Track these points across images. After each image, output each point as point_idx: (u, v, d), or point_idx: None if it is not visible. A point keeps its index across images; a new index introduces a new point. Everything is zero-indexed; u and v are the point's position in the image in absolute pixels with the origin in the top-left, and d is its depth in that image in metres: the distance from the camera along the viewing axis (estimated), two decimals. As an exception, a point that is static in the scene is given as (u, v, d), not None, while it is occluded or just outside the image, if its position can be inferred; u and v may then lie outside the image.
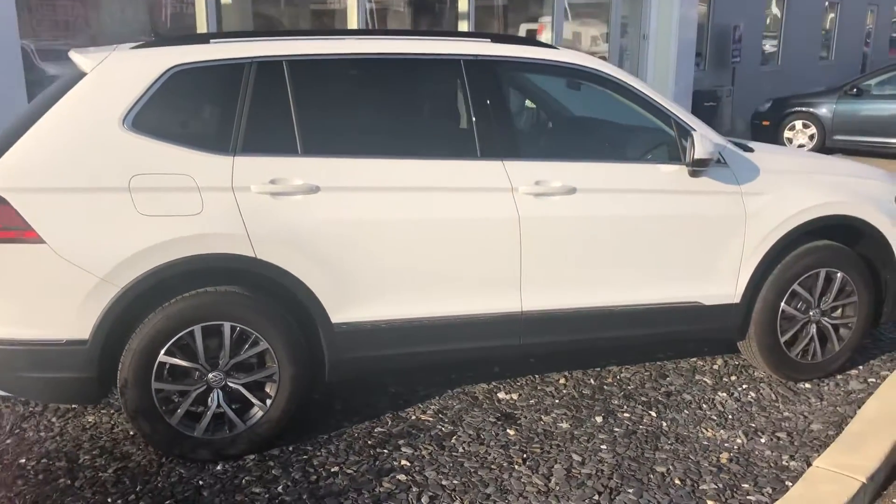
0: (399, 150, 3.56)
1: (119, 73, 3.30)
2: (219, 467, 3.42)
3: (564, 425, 3.80)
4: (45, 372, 3.19)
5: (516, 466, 3.44)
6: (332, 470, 3.41)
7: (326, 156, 3.45)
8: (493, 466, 3.43)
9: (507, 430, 3.74)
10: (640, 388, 4.20)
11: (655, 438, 3.68)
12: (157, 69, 3.33)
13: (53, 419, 3.81)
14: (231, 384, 3.42)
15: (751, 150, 4.19)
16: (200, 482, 3.31)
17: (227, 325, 3.35)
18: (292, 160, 3.40)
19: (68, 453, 3.51)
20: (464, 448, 3.58)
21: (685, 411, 3.95)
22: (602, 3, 12.03)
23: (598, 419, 3.85)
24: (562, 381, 4.28)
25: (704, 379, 4.33)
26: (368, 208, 3.46)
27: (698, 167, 3.78)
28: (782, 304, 4.13)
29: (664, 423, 3.82)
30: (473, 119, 3.63)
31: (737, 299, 4.06)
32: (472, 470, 3.41)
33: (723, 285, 4.02)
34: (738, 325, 4.12)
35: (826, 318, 4.26)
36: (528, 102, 4.38)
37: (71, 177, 3.15)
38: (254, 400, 3.45)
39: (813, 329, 4.24)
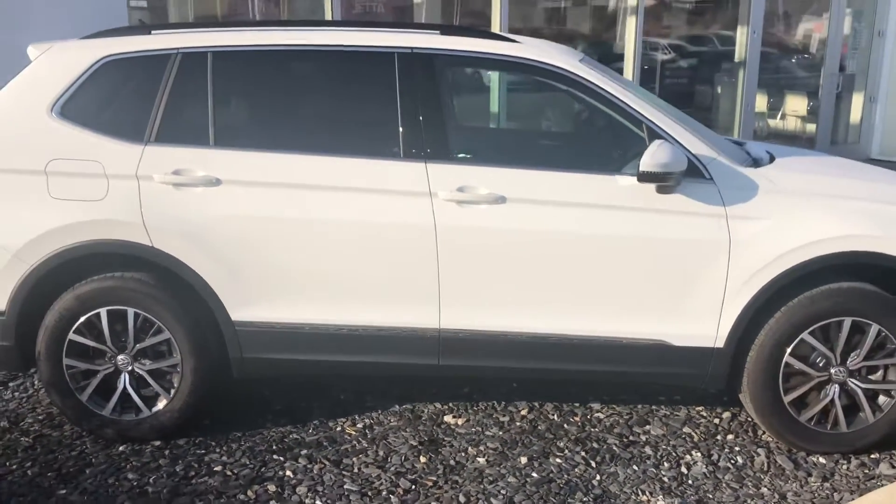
0: (315, 146, 3.39)
1: (56, 64, 3.47)
2: (120, 448, 3.50)
3: (482, 461, 3.39)
4: None
5: (392, 497, 3.14)
6: (215, 469, 3.34)
7: (237, 149, 3.38)
8: (369, 495, 3.16)
9: (420, 458, 3.42)
10: (603, 432, 3.64)
11: (570, 493, 3.16)
12: (88, 60, 3.45)
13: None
14: (138, 369, 3.47)
15: (768, 160, 3.45)
16: (93, 460, 3.41)
17: (130, 311, 3.41)
18: (201, 151, 3.37)
19: (9, 415, 3.79)
20: (359, 469, 3.34)
21: (634, 468, 3.35)
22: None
23: (523, 460, 3.40)
24: (524, 411, 3.83)
25: (692, 432, 3.65)
26: (273, 205, 3.33)
27: (647, 181, 3.17)
28: (786, 356, 3.35)
29: (597, 478, 3.28)
30: (400, 116, 3.35)
31: (719, 343, 3.36)
32: (345, 495, 3.16)
33: (697, 324, 3.35)
34: (722, 374, 3.41)
35: (855, 380, 3.39)
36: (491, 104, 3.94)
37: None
38: (157, 387, 3.48)
39: (834, 391, 3.40)
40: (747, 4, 9.67)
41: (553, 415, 3.79)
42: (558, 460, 3.40)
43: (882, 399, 3.41)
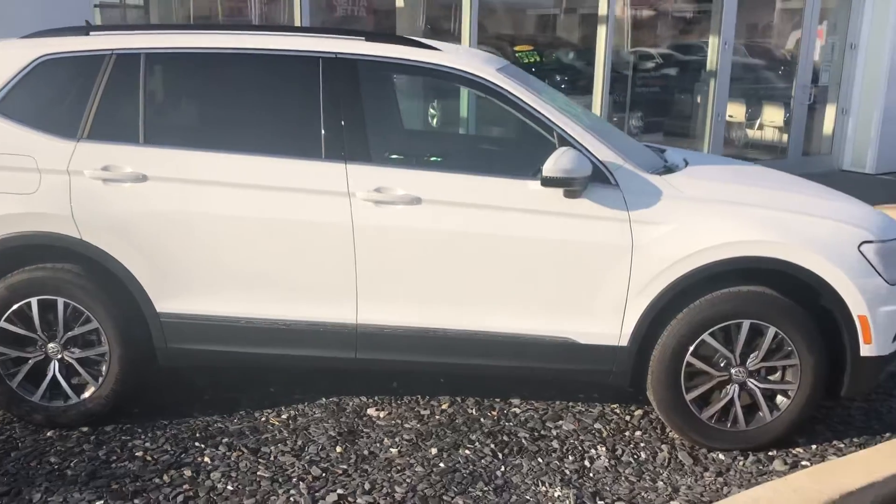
0: (240, 146, 3.53)
1: (-8, 62, 3.62)
2: (48, 433, 3.63)
3: (394, 452, 3.53)
4: None
5: (300, 483, 3.27)
6: (136, 454, 3.48)
7: (165, 146, 3.52)
8: (279, 481, 3.30)
9: (335, 448, 3.56)
10: (517, 426, 3.77)
11: (472, 482, 3.30)
12: (27, 58, 3.60)
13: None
14: (67, 357, 3.61)
15: (679, 167, 3.59)
16: (20, 444, 3.54)
17: (60, 301, 3.54)
18: (130, 148, 3.51)
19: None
20: (275, 457, 3.47)
21: (539, 460, 3.49)
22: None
23: (434, 451, 3.53)
24: (445, 405, 3.97)
25: (602, 428, 3.79)
26: (196, 202, 3.47)
27: (550, 185, 3.31)
28: (688, 355, 3.49)
29: (501, 469, 3.41)
30: (322, 118, 3.50)
31: (623, 341, 3.50)
32: (257, 481, 3.30)
33: (601, 323, 3.49)
34: (626, 371, 3.55)
35: (754, 381, 3.53)
36: (431, 110, 4.07)
37: None
38: (85, 375, 3.62)
39: (734, 391, 3.54)
40: (719, 16, 9.84)
41: (472, 409, 3.93)
42: (467, 452, 3.53)
43: (780, 399, 3.55)
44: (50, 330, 3.59)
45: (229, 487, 3.25)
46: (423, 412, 3.90)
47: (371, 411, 3.90)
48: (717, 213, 3.44)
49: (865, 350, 3.46)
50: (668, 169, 3.71)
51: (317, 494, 3.20)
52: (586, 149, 3.45)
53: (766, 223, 3.42)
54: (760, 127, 11.19)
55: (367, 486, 3.26)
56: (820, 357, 3.47)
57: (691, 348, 3.48)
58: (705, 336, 3.47)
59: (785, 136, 10.74)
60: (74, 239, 3.48)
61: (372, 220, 3.43)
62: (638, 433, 3.75)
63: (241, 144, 3.53)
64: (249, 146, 3.53)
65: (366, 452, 3.53)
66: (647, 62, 11.10)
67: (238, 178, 3.47)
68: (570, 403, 4.02)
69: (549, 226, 3.42)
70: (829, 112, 10.99)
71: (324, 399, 4.02)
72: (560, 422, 3.83)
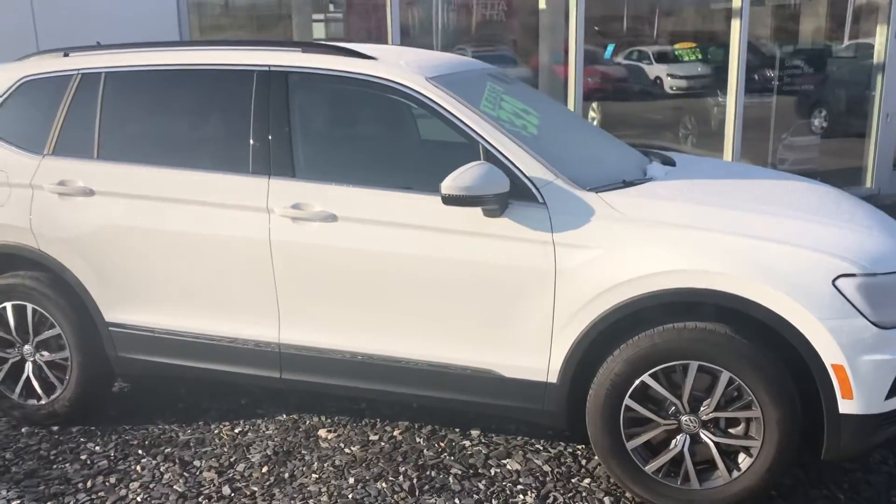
0: (178, 161, 3.55)
1: (-14, 84, 3.93)
2: (23, 430, 3.88)
3: (313, 477, 3.40)
4: None
5: (204, 502, 3.24)
6: (81, 457, 3.62)
7: (112, 162, 3.63)
8: (186, 497, 3.29)
9: (262, 468, 3.49)
10: (457, 461, 3.49)
11: (368, 519, 3.10)
12: (11, 79, 3.87)
13: None
14: (38, 360, 3.84)
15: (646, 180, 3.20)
16: (-8, 439, 3.82)
17: (29, 307, 3.77)
18: (85, 164, 3.66)
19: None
20: (199, 472, 3.47)
21: (455, 501, 3.20)
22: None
23: (351, 480, 3.36)
24: (398, 432, 3.77)
25: (550, 471, 3.41)
26: (135, 215, 3.55)
27: (450, 204, 3.01)
28: (626, 398, 3.05)
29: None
30: (252, 133, 3.44)
31: (552, 378, 3.13)
32: (166, 494, 3.31)
33: (526, 356, 3.14)
34: (559, 411, 3.17)
35: (709, 433, 3.02)
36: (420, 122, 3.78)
37: None
38: (52, 378, 3.83)
39: (683, 442, 3.04)
40: (889, 4, 8.67)
41: (423, 438, 3.70)
42: (384, 485, 3.32)
43: (742, 457, 3.00)
44: (25, 334, 3.83)
45: (137, 499, 3.28)
46: (372, 437, 3.73)
47: (322, 432, 3.79)
48: (655, 237, 2.97)
49: (845, 406, 2.84)
50: (629, 184, 3.28)
51: (212, 512, 3.15)
52: (512, 163, 3.12)
53: (712, 250, 2.91)
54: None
55: (259, 512, 3.16)
56: (790, 411, 2.89)
57: (630, 390, 3.04)
58: (646, 377, 3.01)
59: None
60: (34, 250, 3.69)
61: (288, 237, 3.33)
62: (587, 481, 3.34)
63: (179, 159, 3.56)
64: (186, 161, 3.55)
65: (286, 476, 3.42)
66: (798, 56, 10.03)
67: (171, 193, 3.51)
68: (532, 440, 3.66)
69: (465, 247, 3.13)
70: None
71: (284, 415, 3.96)
72: (506, 460, 3.50)
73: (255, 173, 3.42)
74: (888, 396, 2.86)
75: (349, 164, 3.44)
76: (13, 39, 6.06)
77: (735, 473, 3.00)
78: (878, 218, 3.36)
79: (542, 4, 9.57)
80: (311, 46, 3.53)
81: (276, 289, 3.38)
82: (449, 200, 2.99)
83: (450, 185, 2.97)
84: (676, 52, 14.43)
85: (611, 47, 14.19)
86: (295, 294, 3.37)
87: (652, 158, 3.79)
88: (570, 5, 8.02)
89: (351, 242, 3.26)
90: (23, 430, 3.88)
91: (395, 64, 3.39)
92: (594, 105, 13.35)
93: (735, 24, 8.70)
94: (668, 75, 13.27)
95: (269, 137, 3.41)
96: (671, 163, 3.81)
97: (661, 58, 12.98)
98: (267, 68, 3.47)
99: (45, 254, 3.68)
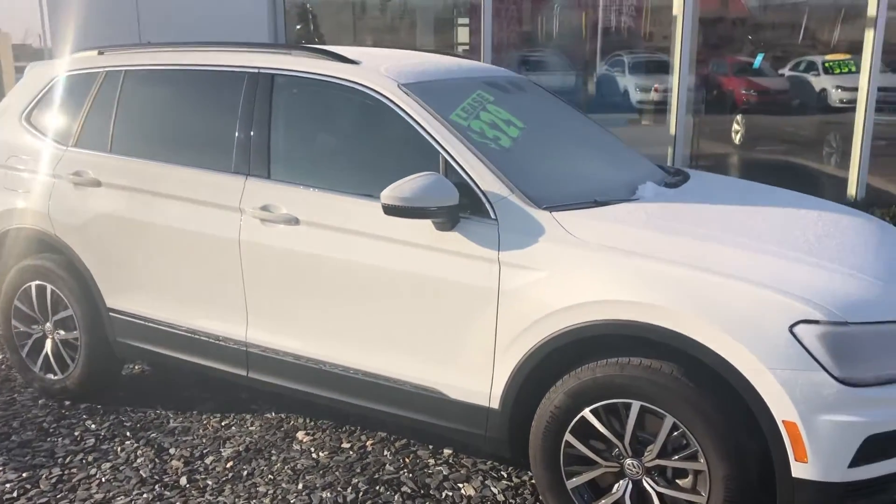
0: (172, 157, 3.67)
1: (32, 79, 4.24)
2: (39, 402, 4.16)
3: (267, 479, 3.40)
4: None
5: (155, 489, 3.33)
6: (74, 434, 3.82)
7: (119, 155, 3.81)
8: (145, 483, 3.39)
9: (227, 463, 3.55)
10: (411, 479, 3.38)
11: (297, 528, 3.06)
12: (50, 76, 4.16)
13: None
14: (56, 338, 4.11)
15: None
16: (11, 407, 4.11)
17: (48, 287, 4.04)
18: (98, 156, 3.86)
19: None
20: (168, 461, 3.56)
21: (390, 520, 3.11)
22: None
23: (300, 486, 3.33)
24: (370, 442, 3.71)
25: (499, 497, 3.23)
26: (130, 208, 3.71)
27: (390, 214, 2.90)
28: (566, 433, 2.84)
29: (343, 520, 3.11)
30: (237, 132, 3.50)
31: (494, 403, 2.96)
32: (129, 478, 3.42)
33: (469, 379, 2.99)
34: (502, 438, 2.99)
35: (651, 481, 2.75)
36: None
37: None
38: (65, 355, 4.08)
39: (626, 488, 2.79)
40: None
41: (391, 451, 3.62)
42: (329, 494, 3.27)
43: (678, 513, 2.71)
44: (45, 312, 4.10)
45: (102, 479, 3.42)
46: (344, 445, 3.69)
47: (300, 434, 3.80)
48: (598, 263, 2.74)
49: (799, 470, 2.50)
50: (600, 203, 3.05)
51: (154, 504, 3.23)
52: (469, 176, 2.99)
53: (653, 281, 2.64)
54: None
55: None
56: (739, 468, 2.58)
57: (570, 425, 2.82)
58: (586, 413, 2.79)
59: None
60: (51, 234, 3.94)
61: (255, 239, 3.35)
62: (541, 515, 3.14)
63: (173, 155, 3.68)
64: (179, 157, 3.66)
65: (244, 473, 3.45)
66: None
67: (164, 188, 3.63)
68: (500, 467, 3.49)
69: (414, 259, 3.02)
70: None
71: (273, 413, 4.01)
72: (463, 484, 3.35)
73: (235, 172, 3.47)
74: (854, 464, 2.48)
75: (317, 168, 3.43)
76: (120, 37, 6.53)
77: (678, 531, 2.71)
78: None
79: (675, 10, 8.99)
80: (299, 49, 3.54)
81: (245, 289, 3.42)
82: (388, 210, 2.90)
83: (388, 194, 2.88)
84: (825, 64, 13.38)
85: (760, 56, 13.35)
86: (260, 294, 3.40)
87: (664, 177, 3.52)
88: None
89: (310, 247, 3.24)
90: (40, 401, 4.15)
91: (373, 69, 3.34)
92: (738, 118, 12.61)
93: (868, 34, 7.96)
94: (837, 87, 12.32)
95: (251, 138, 3.45)
96: (676, 184, 3.52)
97: (829, 69, 12.19)
98: (256, 70, 3.52)
99: (60, 239, 3.92)
